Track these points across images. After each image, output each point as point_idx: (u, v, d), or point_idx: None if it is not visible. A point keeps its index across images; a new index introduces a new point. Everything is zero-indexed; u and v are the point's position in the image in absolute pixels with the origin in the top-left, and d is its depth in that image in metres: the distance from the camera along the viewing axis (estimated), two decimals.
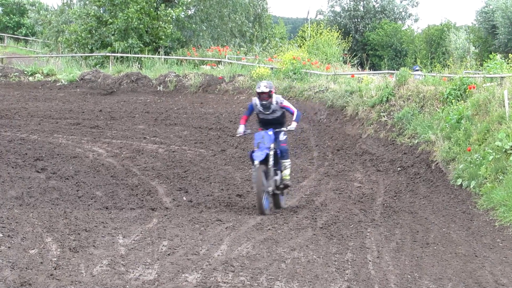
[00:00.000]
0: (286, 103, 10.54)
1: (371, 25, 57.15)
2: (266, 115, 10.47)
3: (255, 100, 10.45)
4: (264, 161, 10.14)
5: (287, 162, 10.68)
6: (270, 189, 10.25)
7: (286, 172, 10.69)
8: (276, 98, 10.42)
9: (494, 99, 13.34)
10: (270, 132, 10.32)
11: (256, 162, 10.00)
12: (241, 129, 10.57)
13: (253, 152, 10.20)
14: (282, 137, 10.54)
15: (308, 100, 19.96)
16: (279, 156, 10.49)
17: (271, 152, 10.23)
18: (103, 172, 12.45)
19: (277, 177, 10.47)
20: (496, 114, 12.72)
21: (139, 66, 26.39)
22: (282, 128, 10.56)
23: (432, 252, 8.69)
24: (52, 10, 39.76)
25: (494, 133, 12.19)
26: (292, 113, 10.51)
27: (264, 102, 10.31)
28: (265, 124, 10.56)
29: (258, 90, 10.29)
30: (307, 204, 11.19)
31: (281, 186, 10.61)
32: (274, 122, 10.54)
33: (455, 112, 13.96)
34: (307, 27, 34.45)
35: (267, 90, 10.23)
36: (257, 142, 10.25)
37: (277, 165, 10.47)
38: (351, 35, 45.67)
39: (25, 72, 24.69)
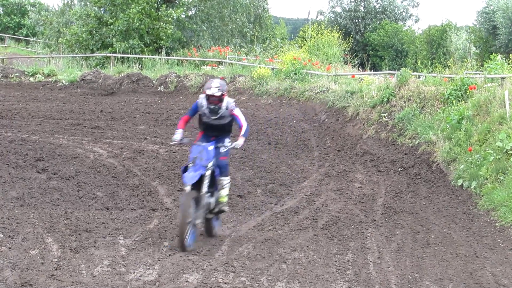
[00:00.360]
0: (237, 111, 8.81)
1: (372, 25, 57.16)
2: (211, 120, 8.72)
3: (202, 100, 8.67)
4: (198, 184, 8.32)
5: (225, 180, 8.89)
6: (199, 221, 8.34)
7: (223, 192, 8.85)
8: (227, 102, 8.67)
9: (494, 99, 13.34)
10: (211, 148, 8.50)
11: (187, 187, 8.25)
12: (178, 135, 8.68)
13: (185, 168, 8.43)
14: (223, 149, 8.70)
15: (309, 100, 19.96)
16: (217, 173, 8.70)
17: (208, 173, 8.40)
18: (104, 172, 12.45)
19: (212, 200, 8.62)
20: (497, 115, 12.72)
21: (139, 66, 26.40)
22: (226, 144, 8.78)
23: (433, 253, 8.69)
24: (53, 10, 39.77)
25: (495, 134, 12.19)
26: (240, 127, 8.78)
27: (212, 106, 8.55)
28: (208, 129, 8.87)
29: (208, 92, 8.49)
30: (308, 205, 11.19)
31: (216, 210, 8.82)
32: (219, 129, 8.85)
33: (455, 112, 13.95)
34: (308, 28, 34.48)
35: (218, 94, 8.47)
36: (193, 156, 8.38)
37: (213, 186, 8.66)
38: (351, 35, 45.68)
39: (25, 73, 24.70)
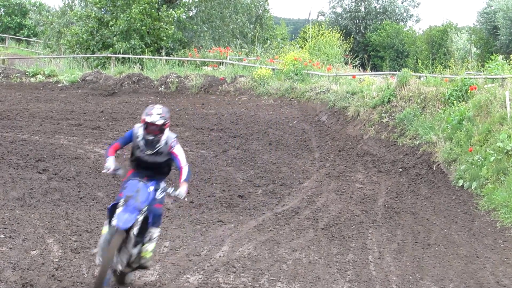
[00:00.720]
0: (178, 149, 7.08)
1: (373, 26, 57.15)
2: (145, 155, 7.04)
3: (138, 129, 7.03)
4: (128, 228, 6.58)
5: (155, 233, 7.09)
6: (119, 267, 6.73)
7: (149, 247, 6.99)
8: (168, 136, 7.02)
9: (495, 100, 13.33)
10: (151, 188, 6.86)
11: (114, 223, 6.55)
12: (110, 163, 7.00)
13: (114, 206, 6.79)
14: (159, 195, 7.02)
15: (310, 101, 19.96)
16: (150, 220, 6.92)
17: (141, 218, 6.71)
18: (104, 173, 12.46)
19: (134, 251, 6.81)
20: (498, 115, 12.71)
21: (140, 67, 26.39)
22: (168, 189, 7.02)
23: (433, 253, 8.69)
24: (53, 11, 39.79)
25: (496, 134, 12.18)
26: (179, 168, 7.02)
27: (150, 138, 6.89)
28: (140, 167, 7.14)
29: (148, 119, 6.82)
30: (309, 205, 11.19)
31: (135, 265, 6.95)
32: (153, 168, 7.13)
33: (456, 113, 13.95)
34: (309, 28, 34.47)
35: (160, 122, 6.84)
36: (127, 194, 6.73)
37: (142, 235, 6.87)
38: (352, 36, 45.66)
39: (26, 73, 24.70)
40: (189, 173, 7.07)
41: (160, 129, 6.87)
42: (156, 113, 6.89)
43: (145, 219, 6.80)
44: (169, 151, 7.03)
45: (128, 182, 6.89)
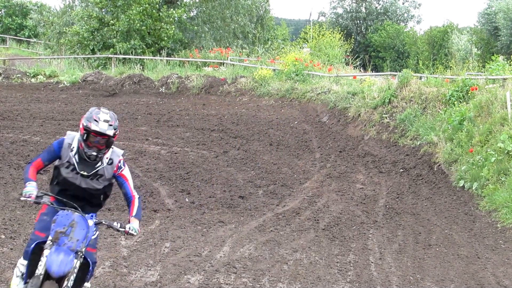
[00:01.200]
0: (126, 172, 5.62)
1: (373, 26, 57.18)
2: (78, 177, 5.39)
3: (72, 140, 5.48)
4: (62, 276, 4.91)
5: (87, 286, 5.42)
6: None
7: None
8: (114, 153, 5.57)
9: (496, 100, 13.33)
10: (91, 222, 5.23)
11: (40, 271, 4.91)
12: (31, 188, 5.31)
13: (38, 244, 5.07)
14: (91, 232, 5.25)
15: (310, 101, 19.96)
16: (89, 270, 5.23)
17: (77, 263, 5.00)
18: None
19: None
20: (498, 116, 12.71)
21: (141, 67, 26.41)
22: (114, 224, 5.36)
23: (434, 254, 8.69)
24: (54, 11, 39.82)
25: (496, 135, 12.18)
26: (129, 198, 5.58)
27: (90, 153, 5.29)
28: (67, 193, 5.45)
29: (93, 127, 5.23)
30: (309, 206, 11.19)
31: None
32: (86, 197, 5.49)
33: (457, 113, 13.95)
34: (310, 29, 34.47)
35: (110, 132, 5.31)
36: (57, 230, 5.02)
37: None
38: (353, 36, 45.70)
39: (27, 74, 24.72)
40: (139, 207, 5.55)
41: (108, 142, 5.32)
42: (103, 120, 5.29)
43: (83, 267, 5.10)
44: (114, 174, 5.49)
45: (58, 214, 5.14)
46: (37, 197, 5.24)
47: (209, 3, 33.16)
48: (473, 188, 11.78)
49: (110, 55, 27.88)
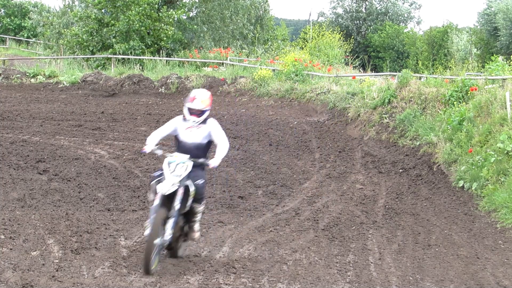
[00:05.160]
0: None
1: (373, 27, 57.20)
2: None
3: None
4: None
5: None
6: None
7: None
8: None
9: (496, 101, 13.33)
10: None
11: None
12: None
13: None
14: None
15: (310, 102, 19.97)
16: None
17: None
18: (105, 174, 12.46)
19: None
20: (498, 116, 12.71)
21: (140, 68, 26.42)
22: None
23: (434, 254, 8.68)
24: (54, 12, 39.83)
25: (496, 135, 12.18)
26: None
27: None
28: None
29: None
30: (309, 206, 11.19)
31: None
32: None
33: (456, 114, 13.95)
34: (309, 29, 34.49)
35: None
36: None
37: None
38: (353, 37, 45.73)
39: (27, 74, 24.73)
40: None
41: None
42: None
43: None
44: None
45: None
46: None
47: (209, 4, 33.18)
48: (473, 188, 11.78)
49: (109, 56, 27.88)
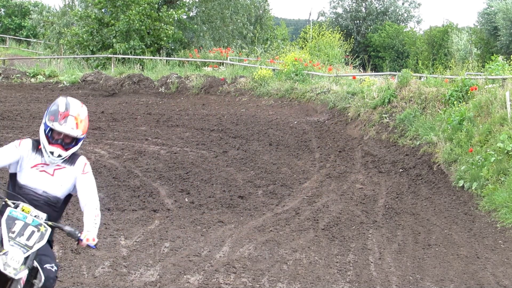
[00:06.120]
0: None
1: (373, 26, 57.21)
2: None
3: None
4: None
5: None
6: None
7: None
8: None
9: (496, 100, 13.33)
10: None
11: None
12: None
13: None
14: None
15: (310, 101, 19.96)
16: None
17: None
18: (105, 173, 12.46)
19: None
20: (498, 116, 12.71)
21: (140, 67, 26.42)
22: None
23: (434, 254, 8.69)
24: (54, 11, 39.85)
25: (496, 135, 12.18)
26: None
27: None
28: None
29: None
30: (309, 206, 11.19)
31: None
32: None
33: (457, 113, 13.95)
34: (309, 29, 34.49)
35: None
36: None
37: None
38: (353, 36, 45.71)
39: (27, 74, 24.72)
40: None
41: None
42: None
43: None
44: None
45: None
46: None
47: (209, 3, 33.19)
48: (473, 188, 11.78)
49: (109, 55, 27.89)
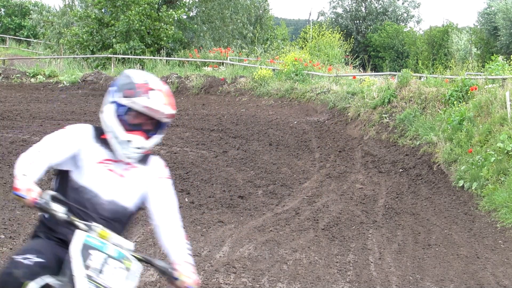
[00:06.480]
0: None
1: (373, 26, 57.22)
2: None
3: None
4: None
5: None
6: None
7: None
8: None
9: (496, 100, 13.34)
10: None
11: None
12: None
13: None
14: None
15: (310, 101, 19.96)
16: None
17: None
18: None
19: None
20: (498, 116, 12.71)
21: (141, 67, 26.42)
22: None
23: (434, 254, 8.69)
24: (54, 11, 39.86)
25: (496, 135, 12.18)
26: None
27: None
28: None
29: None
30: (309, 206, 11.19)
31: None
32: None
33: (456, 113, 13.95)
34: (309, 29, 34.50)
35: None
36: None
37: None
38: (353, 36, 45.71)
39: (27, 74, 24.72)
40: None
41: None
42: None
43: None
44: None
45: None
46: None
47: (208, 3, 33.20)
48: (473, 188, 11.78)
49: (109, 55, 27.90)
